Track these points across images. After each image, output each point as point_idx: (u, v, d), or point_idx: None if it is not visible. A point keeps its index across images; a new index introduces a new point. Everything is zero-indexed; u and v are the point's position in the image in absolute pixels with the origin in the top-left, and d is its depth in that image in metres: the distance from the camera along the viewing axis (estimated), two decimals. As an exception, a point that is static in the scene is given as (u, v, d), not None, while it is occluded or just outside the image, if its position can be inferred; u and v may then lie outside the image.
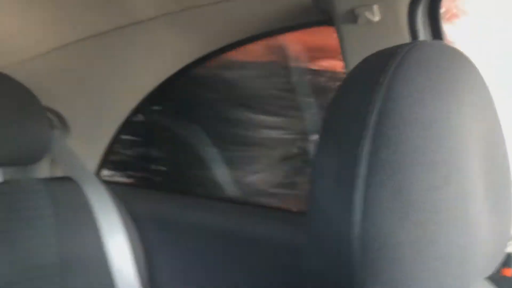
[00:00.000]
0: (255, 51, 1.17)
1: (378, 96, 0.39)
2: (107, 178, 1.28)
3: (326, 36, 1.01)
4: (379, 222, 0.37)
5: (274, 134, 1.18)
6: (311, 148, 1.13)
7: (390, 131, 0.38)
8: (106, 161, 1.27)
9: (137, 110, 1.23)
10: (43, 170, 1.17)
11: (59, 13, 1.04)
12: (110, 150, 1.27)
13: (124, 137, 1.28)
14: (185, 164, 1.29)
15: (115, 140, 1.26)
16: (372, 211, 0.37)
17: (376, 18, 0.80)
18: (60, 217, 0.89)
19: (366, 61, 0.45)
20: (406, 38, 0.80)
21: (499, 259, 0.46)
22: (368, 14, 0.80)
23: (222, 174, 1.23)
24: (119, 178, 1.33)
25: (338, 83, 1.05)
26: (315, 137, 1.10)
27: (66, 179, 0.98)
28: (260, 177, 1.20)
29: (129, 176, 1.35)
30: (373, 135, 0.38)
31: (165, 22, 1.07)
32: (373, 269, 0.38)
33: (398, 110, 0.38)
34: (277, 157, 1.18)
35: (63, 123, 1.19)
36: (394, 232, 0.37)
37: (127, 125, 1.25)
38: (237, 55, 1.17)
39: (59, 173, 1.07)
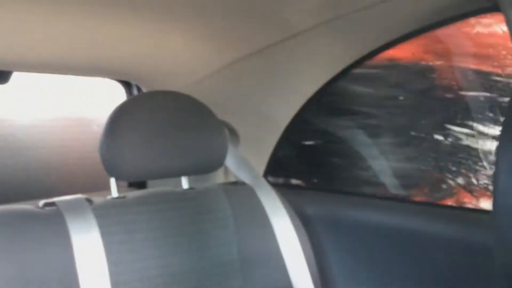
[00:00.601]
0: (412, 50, 1.14)
1: None
2: (274, 181, 1.36)
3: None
4: None
5: (438, 133, 1.14)
6: (485, 146, 1.05)
7: None
8: (273, 165, 1.35)
9: (298, 116, 1.29)
10: (218, 176, 1.30)
11: (223, 35, 1.13)
12: (275, 155, 1.34)
13: (287, 142, 1.34)
14: (349, 165, 1.31)
15: (280, 146, 1.33)
16: None
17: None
18: (238, 218, 0.97)
19: None
20: None
21: None
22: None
23: (386, 173, 1.22)
24: (285, 180, 1.40)
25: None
26: (487, 134, 1.03)
27: (239, 184, 1.06)
28: (429, 176, 1.16)
29: (294, 178, 1.40)
30: None
31: (322, 30, 1.10)
32: None
33: None
34: (446, 156, 1.14)
35: (234, 134, 1.29)
36: None
37: (290, 131, 1.31)
38: (393, 54, 1.16)
39: (232, 178, 1.16)
